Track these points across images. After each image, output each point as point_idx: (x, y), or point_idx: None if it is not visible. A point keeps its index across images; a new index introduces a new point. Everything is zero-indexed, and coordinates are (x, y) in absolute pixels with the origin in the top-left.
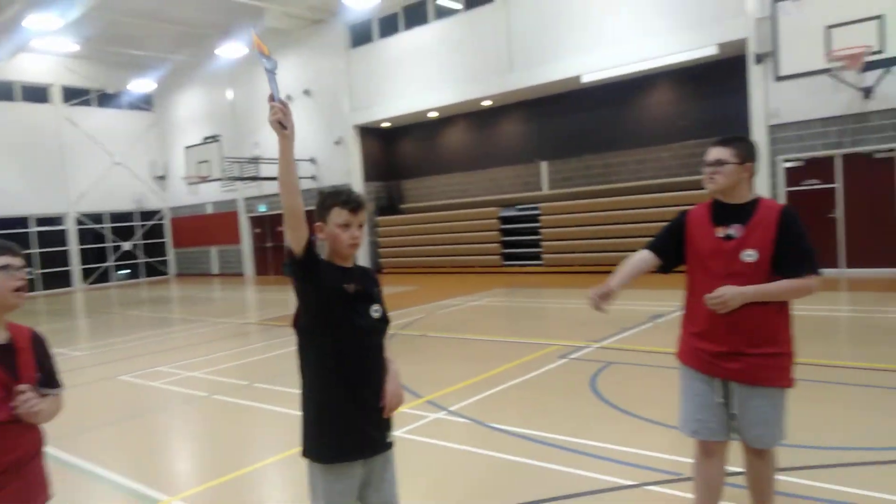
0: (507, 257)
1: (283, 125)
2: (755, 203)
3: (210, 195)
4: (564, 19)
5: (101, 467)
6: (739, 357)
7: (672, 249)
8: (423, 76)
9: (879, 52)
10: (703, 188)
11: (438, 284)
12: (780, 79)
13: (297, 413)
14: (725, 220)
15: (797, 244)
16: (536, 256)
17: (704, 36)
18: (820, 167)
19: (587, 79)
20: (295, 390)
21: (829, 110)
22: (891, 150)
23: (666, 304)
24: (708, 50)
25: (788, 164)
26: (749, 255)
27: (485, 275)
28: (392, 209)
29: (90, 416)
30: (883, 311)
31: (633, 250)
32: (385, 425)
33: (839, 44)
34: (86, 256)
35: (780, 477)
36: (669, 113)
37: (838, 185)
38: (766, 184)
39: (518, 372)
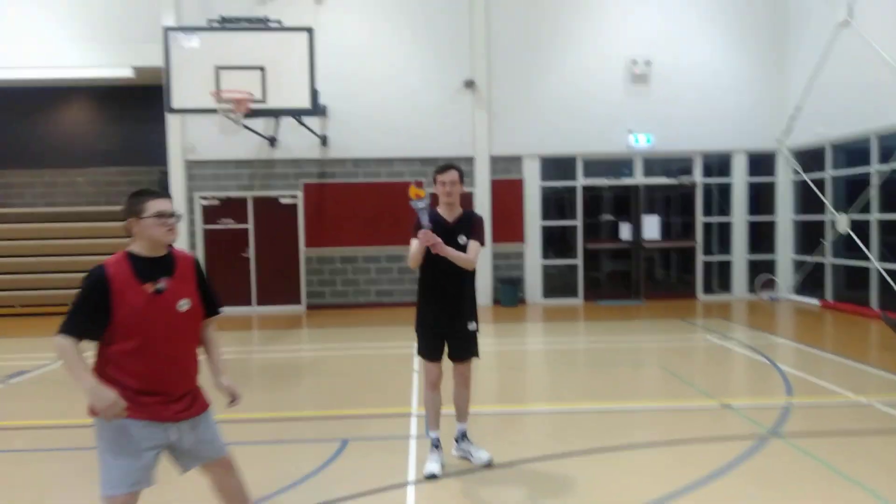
0: None
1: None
2: (171, 254)
3: None
4: None
5: None
6: (186, 395)
7: (99, 321)
8: None
9: (262, 101)
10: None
11: None
12: (170, 111)
13: None
14: (151, 275)
15: (210, 286)
16: None
17: (118, 56)
18: (234, 207)
19: None
20: None
21: (241, 153)
22: (294, 196)
23: (34, 357)
24: (123, 71)
25: (205, 202)
26: (185, 305)
27: None
28: None
29: None
30: (259, 352)
31: (40, 289)
32: None
33: (228, 86)
34: None
35: None
36: (88, 133)
37: (250, 225)
38: (185, 220)
39: None
